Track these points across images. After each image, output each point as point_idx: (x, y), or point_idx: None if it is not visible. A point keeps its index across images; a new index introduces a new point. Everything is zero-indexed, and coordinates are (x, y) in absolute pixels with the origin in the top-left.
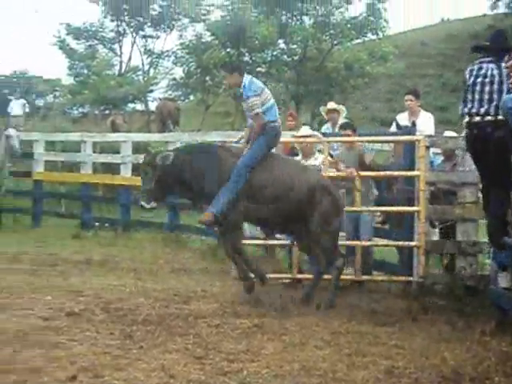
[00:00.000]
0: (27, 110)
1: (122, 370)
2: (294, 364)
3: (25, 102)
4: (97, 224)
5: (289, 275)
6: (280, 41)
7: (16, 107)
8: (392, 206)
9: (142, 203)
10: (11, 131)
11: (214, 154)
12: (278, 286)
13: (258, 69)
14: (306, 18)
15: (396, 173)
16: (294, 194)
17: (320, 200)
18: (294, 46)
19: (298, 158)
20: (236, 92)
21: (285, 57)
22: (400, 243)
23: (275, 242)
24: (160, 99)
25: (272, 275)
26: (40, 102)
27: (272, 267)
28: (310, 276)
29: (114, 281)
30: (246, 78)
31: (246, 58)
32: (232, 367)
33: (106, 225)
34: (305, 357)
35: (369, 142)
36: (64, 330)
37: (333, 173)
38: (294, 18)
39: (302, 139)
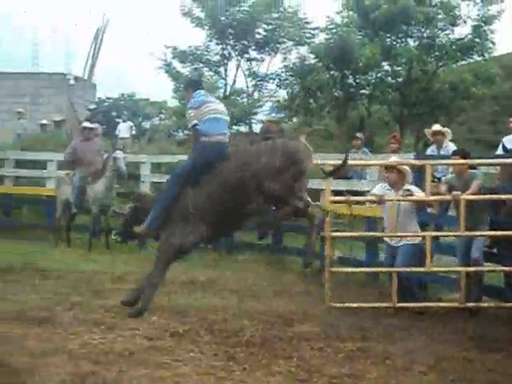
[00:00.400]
0: (134, 132)
1: None
2: None
3: (132, 124)
4: (201, 245)
5: (390, 304)
6: (384, 63)
7: (123, 130)
8: (500, 229)
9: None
10: (118, 153)
11: None
12: (381, 313)
13: (362, 91)
14: (410, 40)
15: (504, 196)
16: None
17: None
18: (399, 68)
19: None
20: (338, 114)
21: (389, 79)
22: (508, 268)
23: (379, 269)
24: (263, 122)
25: (374, 304)
26: (146, 125)
27: (374, 295)
28: (412, 304)
29: (218, 302)
30: (196, 93)
31: (350, 81)
32: None
33: (210, 247)
34: (409, 382)
35: (477, 164)
36: (168, 351)
37: (436, 196)
38: (399, 40)
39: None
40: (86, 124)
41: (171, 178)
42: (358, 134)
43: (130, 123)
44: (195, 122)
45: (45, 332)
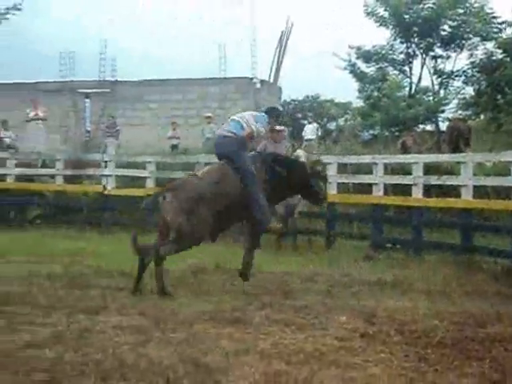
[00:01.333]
0: (320, 133)
1: None
2: None
3: (317, 125)
4: (388, 245)
5: None
6: None
7: (309, 131)
8: None
9: None
10: (299, 152)
11: None
12: None
13: None
14: None
15: None
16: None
17: None
18: None
19: None
20: None
21: None
22: None
23: None
24: (449, 119)
25: None
26: (332, 126)
27: None
28: None
29: (407, 303)
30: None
31: None
32: None
33: (398, 246)
34: None
35: None
36: (359, 351)
37: None
38: None
39: None
40: (276, 126)
41: None
42: None
43: (315, 124)
44: None
45: (237, 332)
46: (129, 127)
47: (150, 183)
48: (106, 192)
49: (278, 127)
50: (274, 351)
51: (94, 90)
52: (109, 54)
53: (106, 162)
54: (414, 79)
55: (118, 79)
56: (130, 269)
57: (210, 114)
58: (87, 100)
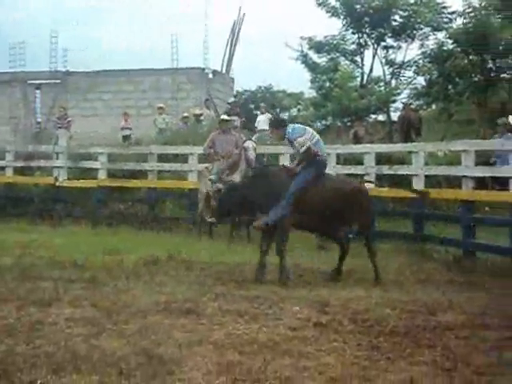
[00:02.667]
0: None
1: (370, 381)
2: None
3: (270, 116)
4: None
5: None
6: None
7: (262, 122)
8: None
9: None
10: (248, 143)
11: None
12: None
13: (503, 75)
14: None
15: None
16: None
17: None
18: None
19: None
20: (478, 100)
21: None
22: None
23: None
24: (404, 104)
25: None
26: (284, 116)
27: None
28: None
29: (360, 292)
30: (289, 127)
31: (490, 65)
32: (482, 380)
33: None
34: None
35: None
36: (312, 341)
37: None
38: None
39: None
40: (224, 116)
41: (292, 190)
42: (501, 120)
43: (268, 115)
44: (309, 143)
45: (191, 323)
46: (81, 118)
47: (102, 174)
48: (57, 184)
49: (226, 117)
50: (227, 341)
51: (45, 81)
52: (60, 44)
53: (57, 153)
54: (366, 69)
55: (70, 70)
56: (82, 260)
57: (162, 105)
58: (38, 91)
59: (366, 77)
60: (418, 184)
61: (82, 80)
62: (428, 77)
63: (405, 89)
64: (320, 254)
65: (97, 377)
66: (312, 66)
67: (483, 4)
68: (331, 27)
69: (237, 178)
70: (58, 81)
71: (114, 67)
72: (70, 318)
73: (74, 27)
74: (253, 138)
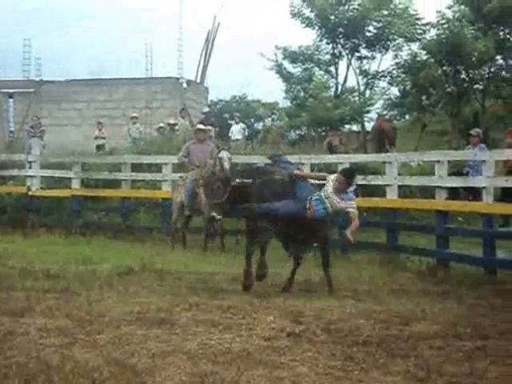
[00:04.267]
0: (247, 133)
1: None
2: None
3: (244, 126)
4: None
5: None
6: (498, 56)
7: (236, 131)
8: None
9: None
10: (223, 153)
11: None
12: (500, 310)
13: (476, 86)
14: None
15: None
16: None
17: None
18: None
19: None
20: (452, 111)
21: (503, 72)
22: None
23: None
24: (378, 114)
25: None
26: (259, 126)
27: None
28: None
29: (334, 302)
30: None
31: (463, 76)
32: None
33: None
34: None
35: None
36: (286, 351)
37: None
38: None
39: None
40: (200, 126)
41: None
42: (474, 131)
43: (242, 125)
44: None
45: (164, 333)
46: (55, 127)
47: (75, 184)
48: (30, 193)
49: (202, 127)
50: (200, 352)
51: (18, 90)
52: (33, 53)
53: (30, 162)
54: (340, 80)
55: (43, 79)
56: (55, 270)
57: (136, 114)
58: (11, 100)
59: (340, 87)
60: (392, 194)
61: (55, 89)
62: (402, 87)
63: (379, 99)
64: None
65: None
66: (286, 76)
67: (457, 16)
68: (306, 38)
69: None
70: (31, 90)
71: (88, 76)
72: (43, 329)
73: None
74: (226, 148)
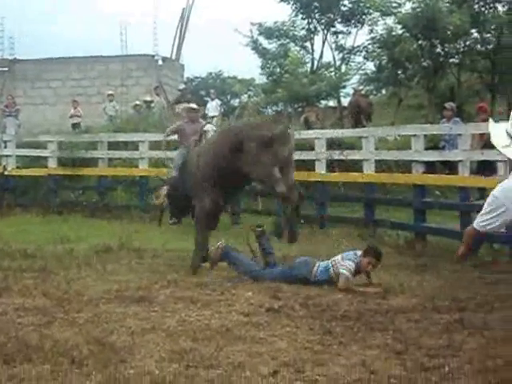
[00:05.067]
0: (223, 110)
1: (322, 366)
2: (498, 360)
3: (220, 102)
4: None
5: None
6: (473, 30)
7: (212, 108)
8: None
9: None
10: (208, 127)
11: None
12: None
13: (451, 60)
14: (499, 6)
15: None
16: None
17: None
18: (488, 35)
19: None
20: (427, 85)
21: (478, 46)
22: None
23: None
24: (354, 90)
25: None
26: (235, 102)
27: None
28: None
29: None
30: None
31: (439, 50)
32: (433, 363)
33: (302, 221)
34: (509, 352)
35: None
36: (265, 326)
37: None
38: (487, 6)
39: None
40: (192, 105)
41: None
42: (448, 105)
43: (218, 101)
44: None
45: (143, 310)
46: (30, 106)
47: (52, 163)
48: (6, 173)
49: (194, 105)
50: (180, 329)
51: None
52: (6, 32)
53: (5, 141)
54: (316, 55)
55: (17, 57)
56: (32, 250)
57: (111, 92)
58: None
59: (316, 62)
60: (369, 169)
61: (29, 68)
62: (378, 62)
63: (355, 74)
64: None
65: (48, 366)
66: (262, 52)
67: None
68: (281, 13)
69: None
70: (5, 69)
71: (63, 55)
72: (21, 308)
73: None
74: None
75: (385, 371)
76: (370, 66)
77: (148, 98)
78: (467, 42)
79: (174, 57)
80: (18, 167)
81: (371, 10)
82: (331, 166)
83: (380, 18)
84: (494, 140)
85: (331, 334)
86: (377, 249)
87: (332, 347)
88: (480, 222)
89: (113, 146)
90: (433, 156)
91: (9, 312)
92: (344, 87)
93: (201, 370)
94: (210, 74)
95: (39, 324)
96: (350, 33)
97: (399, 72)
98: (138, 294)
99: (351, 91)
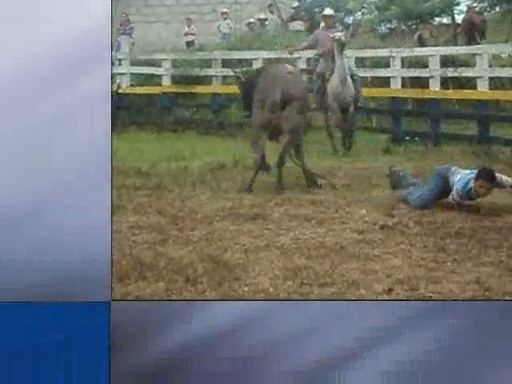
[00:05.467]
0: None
1: (436, 283)
2: None
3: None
4: (407, 138)
5: None
6: None
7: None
8: None
9: None
10: (337, 34)
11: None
12: None
13: None
14: None
15: None
16: None
17: None
18: None
19: None
20: None
21: None
22: None
23: None
24: (468, 6)
25: None
26: (349, 20)
27: None
28: None
29: None
30: None
31: None
32: None
33: (416, 139)
34: None
35: None
36: (379, 244)
37: None
38: None
39: None
40: (327, 11)
41: None
42: None
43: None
44: None
45: (257, 228)
46: (143, 24)
47: (166, 81)
48: (120, 91)
49: (329, 11)
50: (294, 246)
51: None
52: None
53: (119, 59)
54: None
55: None
56: (146, 167)
57: (225, 10)
58: None
59: None
60: (482, 86)
61: None
62: None
63: None
64: (386, 156)
65: (163, 284)
66: None
67: None
68: None
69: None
70: None
71: None
72: (135, 226)
73: None
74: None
75: (499, 288)
76: None
77: (262, 16)
78: None
79: None
80: (131, 85)
81: None
82: (445, 83)
83: None
84: None
85: (445, 252)
86: (490, 171)
87: (446, 264)
88: None
89: (227, 63)
90: None
91: (123, 230)
92: (458, 4)
93: (315, 288)
94: None
95: (153, 242)
96: None
97: None
98: (252, 212)
99: (465, 8)
